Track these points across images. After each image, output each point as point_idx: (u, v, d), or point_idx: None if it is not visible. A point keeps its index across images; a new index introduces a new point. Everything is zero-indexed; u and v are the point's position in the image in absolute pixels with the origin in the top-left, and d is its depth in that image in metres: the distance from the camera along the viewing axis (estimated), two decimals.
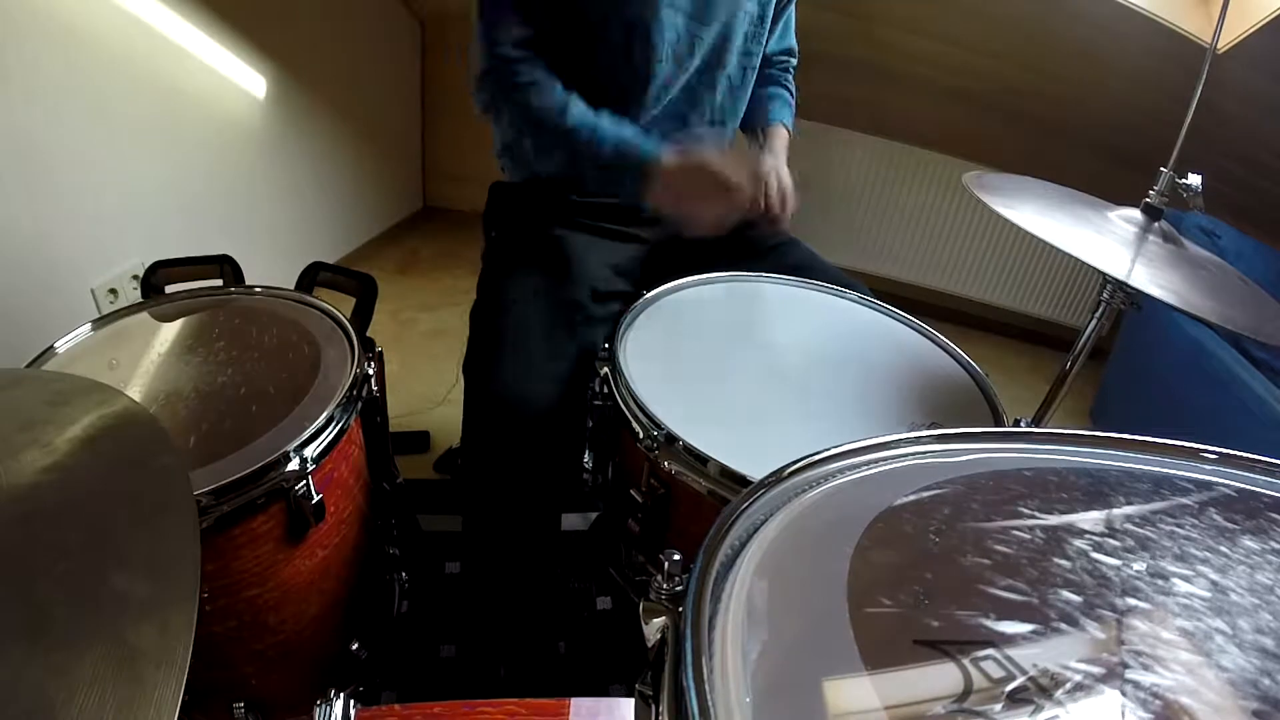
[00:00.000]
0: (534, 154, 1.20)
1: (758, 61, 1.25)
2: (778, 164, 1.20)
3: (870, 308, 1.14)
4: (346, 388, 0.86)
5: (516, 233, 1.19)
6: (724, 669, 0.37)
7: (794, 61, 1.37)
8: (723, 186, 1.02)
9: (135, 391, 0.85)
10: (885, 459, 0.54)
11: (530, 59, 1.07)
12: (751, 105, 1.30)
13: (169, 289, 1.06)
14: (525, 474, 0.98)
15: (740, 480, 0.76)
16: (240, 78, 1.90)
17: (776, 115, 1.32)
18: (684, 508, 0.84)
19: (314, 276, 1.11)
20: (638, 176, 1.05)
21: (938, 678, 0.37)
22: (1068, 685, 0.36)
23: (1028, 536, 0.47)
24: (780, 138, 1.30)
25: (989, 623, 0.40)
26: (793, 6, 1.31)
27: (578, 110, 1.06)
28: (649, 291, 1.08)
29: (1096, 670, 0.37)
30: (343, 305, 1.05)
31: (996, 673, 0.37)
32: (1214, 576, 0.44)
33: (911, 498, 0.50)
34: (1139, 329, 2.07)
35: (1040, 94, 2.20)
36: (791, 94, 1.37)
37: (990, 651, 0.38)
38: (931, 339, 1.07)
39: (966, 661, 0.38)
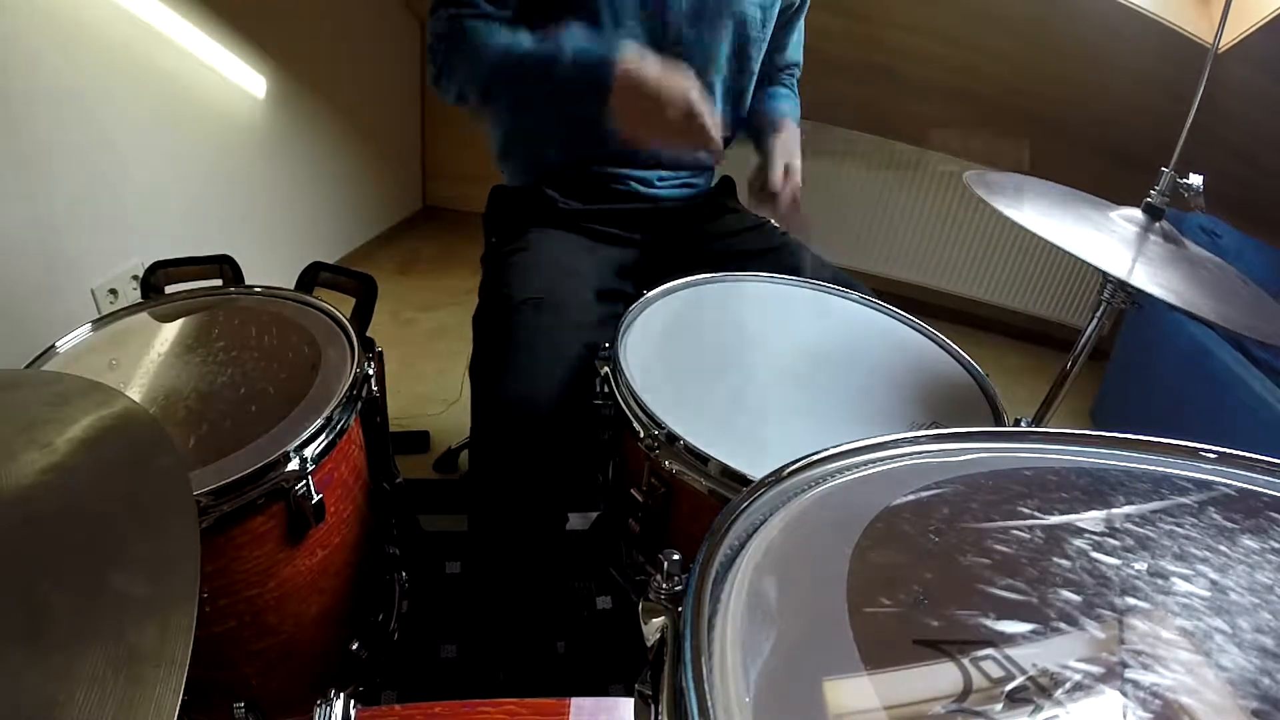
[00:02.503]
0: (491, 94, 1.14)
1: (756, 66, 1.25)
2: (791, 154, 1.19)
3: (870, 307, 1.13)
4: (346, 388, 0.86)
5: (517, 237, 1.19)
6: (723, 669, 0.37)
7: (798, 73, 1.37)
8: (682, 107, 1.00)
9: (135, 392, 0.85)
10: (885, 458, 0.54)
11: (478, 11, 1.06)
12: (755, 106, 1.31)
13: (169, 289, 1.06)
14: (534, 477, 0.98)
15: (741, 480, 0.75)
16: (240, 77, 1.90)
17: (785, 111, 1.31)
18: (684, 507, 0.84)
19: (314, 277, 1.11)
20: (598, 87, 1.01)
21: (937, 677, 0.37)
22: (1067, 685, 0.36)
23: (1027, 536, 0.47)
24: (791, 129, 1.28)
25: (989, 622, 0.40)
26: (802, 20, 1.31)
27: (527, 36, 1.05)
28: (649, 290, 1.08)
29: (1096, 670, 0.37)
30: (343, 305, 1.05)
31: (996, 672, 0.37)
32: (1214, 576, 0.44)
33: (911, 497, 0.50)
34: (1140, 329, 2.07)
35: (1041, 94, 2.20)
36: (797, 99, 1.37)
37: (990, 651, 0.38)
38: (932, 339, 1.07)
39: (966, 661, 0.38)
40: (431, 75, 1.12)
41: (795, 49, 1.34)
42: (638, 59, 1.01)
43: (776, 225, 1.31)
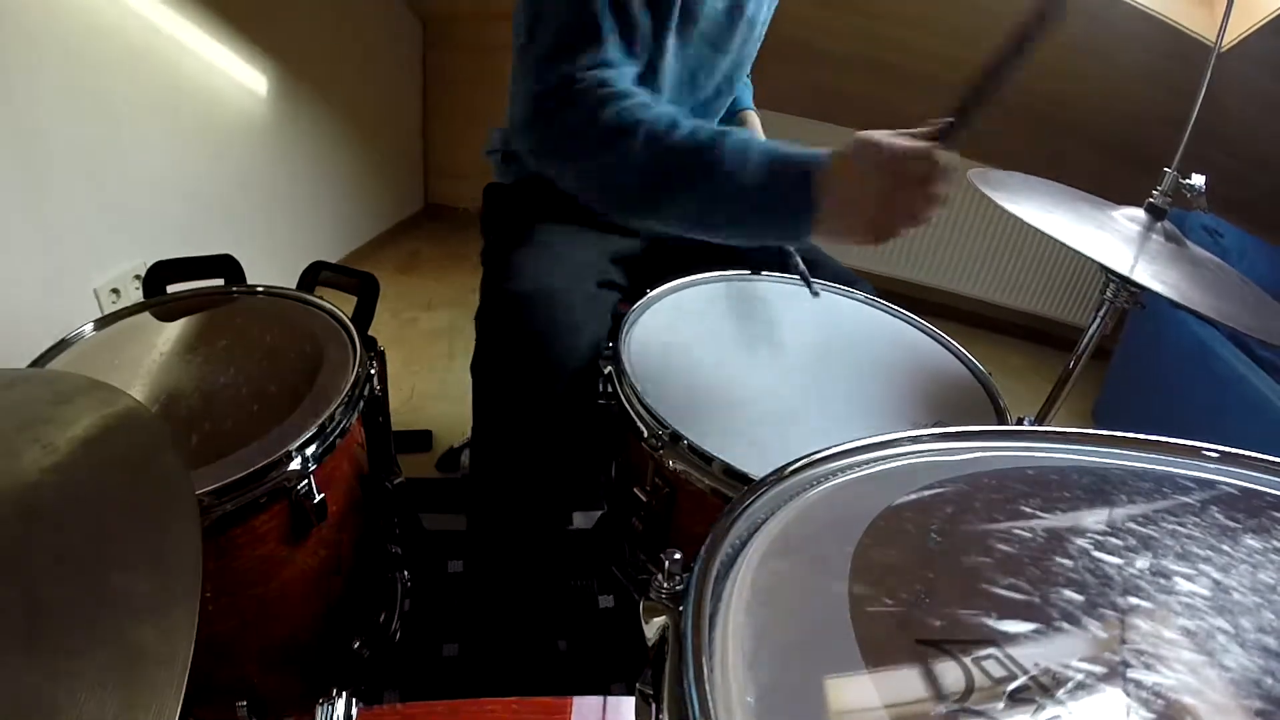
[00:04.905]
0: (621, 204, 0.89)
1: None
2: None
3: (873, 306, 1.13)
4: (348, 387, 0.86)
5: (516, 232, 1.19)
6: (724, 668, 0.37)
7: None
8: (924, 175, 0.76)
9: (137, 391, 0.85)
10: (887, 457, 0.54)
11: (614, 72, 0.84)
12: None
13: (171, 288, 1.06)
14: (537, 475, 0.98)
15: (744, 479, 0.75)
16: (242, 76, 1.90)
17: (746, 101, 1.31)
18: (687, 506, 0.84)
19: (315, 276, 1.11)
20: (802, 195, 0.75)
21: (939, 677, 0.37)
22: (1070, 685, 0.36)
23: (1029, 535, 0.47)
24: (756, 124, 1.29)
25: (991, 622, 0.40)
26: None
27: (690, 123, 0.78)
28: (652, 289, 1.08)
29: (1098, 669, 0.37)
30: (344, 304, 1.05)
31: (998, 672, 0.37)
32: (1216, 575, 0.44)
33: (913, 496, 0.50)
34: (1142, 329, 2.07)
35: (1043, 92, 2.20)
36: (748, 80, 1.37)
37: (992, 651, 0.38)
38: (934, 338, 1.07)
39: (968, 661, 0.37)
40: (528, 145, 0.90)
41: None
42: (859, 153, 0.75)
43: None
